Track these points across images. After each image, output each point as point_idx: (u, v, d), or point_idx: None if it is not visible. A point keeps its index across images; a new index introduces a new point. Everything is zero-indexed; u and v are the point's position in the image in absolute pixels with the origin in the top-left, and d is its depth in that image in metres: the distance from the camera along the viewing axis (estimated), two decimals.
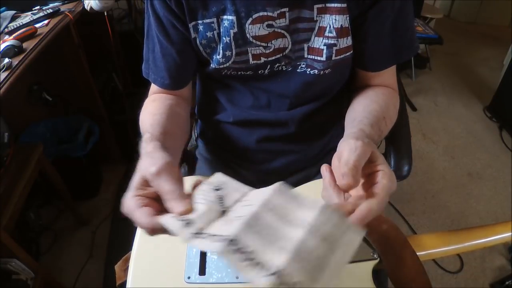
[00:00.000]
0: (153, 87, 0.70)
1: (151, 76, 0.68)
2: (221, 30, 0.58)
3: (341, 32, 0.57)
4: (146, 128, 0.56)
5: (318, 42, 0.58)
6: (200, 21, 0.58)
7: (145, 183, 0.41)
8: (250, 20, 0.56)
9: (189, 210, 0.39)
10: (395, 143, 0.79)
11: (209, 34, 0.59)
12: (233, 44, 0.59)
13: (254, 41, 0.59)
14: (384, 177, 0.41)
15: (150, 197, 0.41)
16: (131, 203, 0.40)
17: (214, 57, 0.61)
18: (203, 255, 0.55)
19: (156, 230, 0.39)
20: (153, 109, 0.62)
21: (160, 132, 0.54)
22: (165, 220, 0.38)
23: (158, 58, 0.64)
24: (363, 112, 0.57)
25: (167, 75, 0.65)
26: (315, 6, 0.56)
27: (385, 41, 0.60)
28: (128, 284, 0.53)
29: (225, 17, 0.57)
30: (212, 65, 0.62)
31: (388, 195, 0.41)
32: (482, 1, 3.46)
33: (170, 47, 0.61)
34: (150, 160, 0.42)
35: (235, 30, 0.57)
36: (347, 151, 0.42)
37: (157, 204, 0.41)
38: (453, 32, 3.36)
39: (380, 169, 0.42)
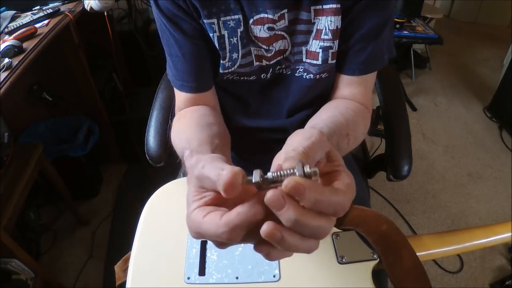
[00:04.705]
0: (179, 102, 0.67)
1: (176, 84, 0.65)
2: (227, 31, 0.58)
3: (336, 34, 0.56)
4: (182, 146, 0.51)
5: (315, 45, 0.58)
6: (205, 20, 0.57)
7: (201, 191, 0.35)
8: (252, 20, 0.57)
9: (239, 174, 0.30)
10: (395, 143, 0.79)
11: (211, 35, 0.58)
12: (239, 44, 0.58)
13: (256, 41, 0.59)
14: (348, 178, 0.33)
15: (214, 204, 0.33)
16: (194, 219, 0.32)
17: (220, 62, 0.61)
18: (203, 256, 0.55)
19: (234, 230, 0.29)
20: (182, 127, 0.58)
21: (199, 144, 0.50)
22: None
23: (178, 61, 0.61)
24: (326, 121, 0.51)
25: (190, 77, 0.62)
26: (312, 8, 0.56)
27: (365, 43, 0.58)
28: (128, 284, 0.53)
29: (229, 17, 0.57)
30: (220, 70, 0.62)
31: (351, 199, 0.32)
32: (482, 1, 3.46)
33: (188, 42, 0.59)
34: (193, 169, 0.36)
35: (242, 29, 0.57)
36: (300, 137, 0.35)
37: (227, 210, 0.32)
38: (453, 32, 3.36)
39: (342, 169, 0.34)
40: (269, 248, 0.31)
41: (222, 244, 0.33)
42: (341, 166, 0.35)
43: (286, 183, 0.28)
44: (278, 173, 0.30)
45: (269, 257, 0.32)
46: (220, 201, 0.33)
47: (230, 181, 0.30)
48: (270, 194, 0.28)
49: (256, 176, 0.30)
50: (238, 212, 0.30)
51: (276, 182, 0.30)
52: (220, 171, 0.31)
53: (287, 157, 0.32)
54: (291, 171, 0.30)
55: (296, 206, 0.29)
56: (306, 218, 0.29)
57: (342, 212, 0.31)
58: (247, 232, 0.30)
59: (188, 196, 0.35)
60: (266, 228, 0.29)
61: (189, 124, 0.57)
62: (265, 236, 0.29)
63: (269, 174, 0.30)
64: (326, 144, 0.35)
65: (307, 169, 0.29)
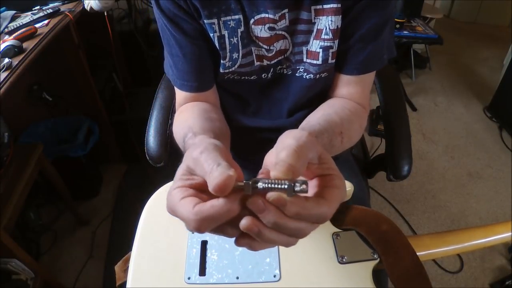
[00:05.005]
0: (179, 99, 0.67)
1: (177, 83, 0.64)
2: (227, 31, 0.58)
3: (336, 34, 0.56)
4: (184, 132, 0.51)
5: (315, 45, 0.58)
6: (206, 21, 0.57)
7: (190, 173, 0.35)
8: (252, 20, 0.57)
9: (232, 179, 0.30)
10: (395, 143, 0.79)
11: (211, 35, 0.58)
12: (240, 44, 0.59)
13: (257, 41, 0.59)
14: (339, 184, 0.34)
15: (197, 189, 0.34)
16: (172, 198, 0.33)
17: (220, 62, 0.61)
18: (203, 256, 0.55)
19: (203, 221, 0.30)
20: (184, 118, 0.58)
21: (201, 128, 0.51)
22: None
23: (178, 61, 0.61)
24: (319, 119, 0.51)
25: (191, 77, 0.62)
26: (313, 8, 0.56)
27: (365, 43, 0.58)
28: (128, 285, 0.53)
29: (229, 17, 0.57)
30: (220, 70, 0.62)
31: (337, 206, 0.33)
32: (482, 1, 3.46)
33: (189, 43, 0.59)
34: (193, 147, 0.35)
35: (242, 29, 0.57)
36: (290, 138, 0.34)
37: (206, 197, 0.33)
38: (453, 32, 3.36)
39: (333, 173, 0.35)
40: (250, 241, 0.33)
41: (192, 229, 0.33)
42: (332, 169, 0.35)
43: (270, 195, 0.30)
44: (268, 185, 0.30)
45: (252, 249, 0.33)
46: (205, 187, 0.33)
47: (223, 184, 0.30)
48: (252, 199, 0.30)
49: (247, 189, 0.31)
50: (212, 205, 0.30)
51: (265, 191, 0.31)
52: (215, 165, 0.32)
53: (277, 160, 0.32)
54: (282, 185, 0.30)
55: (276, 211, 0.30)
56: (285, 221, 0.31)
57: (323, 222, 0.33)
58: (227, 225, 0.32)
59: (177, 172, 0.36)
60: (244, 222, 0.30)
61: (191, 116, 0.58)
62: (243, 229, 0.31)
63: (260, 185, 0.31)
64: (316, 145, 0.35)
65: (296, 187, 0.30)
